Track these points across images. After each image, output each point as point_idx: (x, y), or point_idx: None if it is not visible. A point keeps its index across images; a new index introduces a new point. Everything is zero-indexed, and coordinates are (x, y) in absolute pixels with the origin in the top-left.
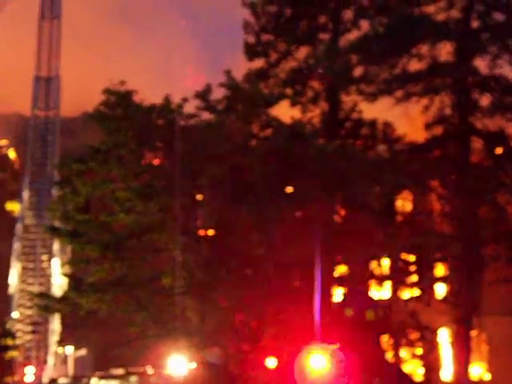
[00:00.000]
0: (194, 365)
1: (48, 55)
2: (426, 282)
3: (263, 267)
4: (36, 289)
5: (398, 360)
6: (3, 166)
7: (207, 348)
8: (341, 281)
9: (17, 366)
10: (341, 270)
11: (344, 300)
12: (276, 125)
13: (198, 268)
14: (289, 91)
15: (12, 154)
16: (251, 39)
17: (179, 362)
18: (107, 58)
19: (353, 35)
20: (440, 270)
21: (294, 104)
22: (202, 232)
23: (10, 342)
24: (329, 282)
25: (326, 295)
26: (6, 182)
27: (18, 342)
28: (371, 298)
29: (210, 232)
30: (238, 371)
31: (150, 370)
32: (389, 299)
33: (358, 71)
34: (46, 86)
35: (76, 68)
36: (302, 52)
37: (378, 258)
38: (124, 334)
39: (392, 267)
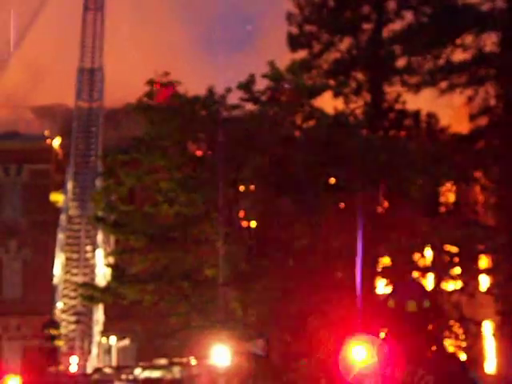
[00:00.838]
0: (237, 356)
1: (92, 47)
2: (470, 274)
3: (306, 258)
4: (80, 279)
5: (443, 351)
6: (47, 158)
7: (250, 339)
8: (384, 272)
9: (62, 356)
10: (384, 261)
11: (388, 291)
12: (319, 115)
13: (242, 259)
14: (332, 82)
15: (56, 145)
16: (294, 30)
17: (222, 353)
18: (151, 49)
19: (396, 25)
20: (484, 261)
21: (336, 95)
22: (245, 223)
23: (55, 331)
24: (372, 272)
25: (369, 286)
26: (50, 173)
27: (62, 331)
28: (414, 290)
29: (253, 223)
30: (281, 362)
31: (193, 361)
32: (432, 291)
33: (401, 62)
34: (90, 77)
35: (120, 59)
36: (345, 42)
37: (421, 249)
38: (167, 325)
39: (435, 259)
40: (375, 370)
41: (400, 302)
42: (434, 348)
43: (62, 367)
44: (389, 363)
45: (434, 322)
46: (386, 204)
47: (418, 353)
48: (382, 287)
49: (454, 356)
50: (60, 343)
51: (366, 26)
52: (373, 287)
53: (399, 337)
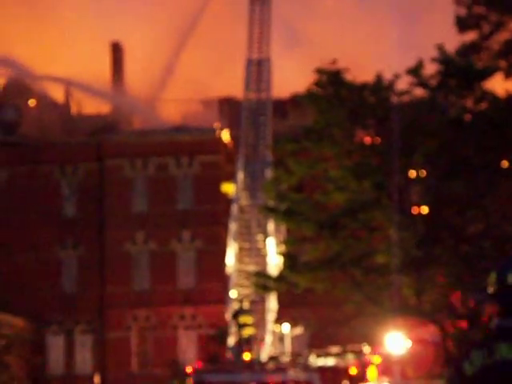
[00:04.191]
0: (410, 343)
1: (258, 38)
2: None
3: (480, 243)
4: (252, 268)
5: None
6: (217, 149)
7: (424, 326)
8: None
9: (253, 343)
10: None
11: None
12: (491, 98)
13: (414, 245)
14: (503, 63)
15: (225, 136)
16: (462, 12)
17: (396, 340)
18: (318, 38)
19: None
20: None
21: (508, 76)
22: (416, 209)
23: (246, 319)
24: None
25: None
26: (220, 164)
27: (254, 319)
28: None
29: (425, 209)
30: (455, 350)
31: (366, 349)
32: None
33: None
34: (258, 68)
35: (287, 49)
36: None
37: None
38: (340, 313)
39: None
40: None
41: None
42: None
43: (253, 354)
44: None
45: None
46: None
47: None
48: None
49: None
50: (252, 331)
51: None
52: None
53: None
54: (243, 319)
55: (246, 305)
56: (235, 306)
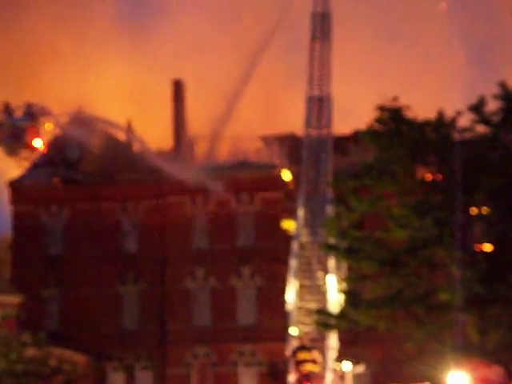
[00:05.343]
0: (473, 382)
1: (319, 75)
2: None
3: None
4: (313, 305)
5: None
6: (277, 186)
7: (488, 366)
8: None
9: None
10: None
11: None
12: None
13: (477, 283)
14: None
15: (286, 173)
16: None
17: (459, 380)
18: (377, 74)
19: None
20: None
21: None
22: (479, 247)
23: (306, 356)
24: None
25: None
26: (281, 201)
27: (314, 356)
28: None
29: (488, 246)
30: None
31: None
32: None
33: None
34: (319, 105)
35: (346, 86)
36: None
37: None
38: (402, 351)
39: None
40: None
41: None
42: None
43: None
44: None
45: None
46: None
47: None
48: None
49: None
50: (313, 367)
51: None
52: None
53: None
54: (303, 355)
55: (306, 342)
56: (295, 342)
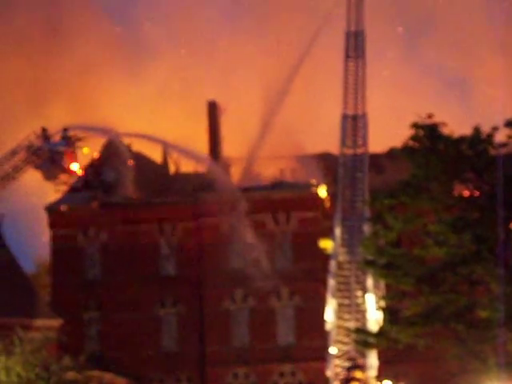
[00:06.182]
0: None
1: (354, 94)
2: None
3: None
4: (352, 324)
5: None
6: (314, 205)
7: None
8: None
9: None
10: None
11: None
12: None
13: None
14: None
15: (322, 192)
16: None
17: None
18: (413, 92)
19: None
20: None
21: None
22: None
23: (359, 375)
24: None
25: None
26: (318, 220)
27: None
28: None
29: None
30: None
31: None
32: None
33: None
34: (354, 123)
35: (381, 104)
36: None
37: None
38: (443, 369)
39: None
40: None
41: None
42: None
43: None
44: None
45: None
46: None
47: None
48: None
49: None
50: None
51: None
52: None
53: None
54: (358, 375)
55: (360, 361)
56: (341, 362)
